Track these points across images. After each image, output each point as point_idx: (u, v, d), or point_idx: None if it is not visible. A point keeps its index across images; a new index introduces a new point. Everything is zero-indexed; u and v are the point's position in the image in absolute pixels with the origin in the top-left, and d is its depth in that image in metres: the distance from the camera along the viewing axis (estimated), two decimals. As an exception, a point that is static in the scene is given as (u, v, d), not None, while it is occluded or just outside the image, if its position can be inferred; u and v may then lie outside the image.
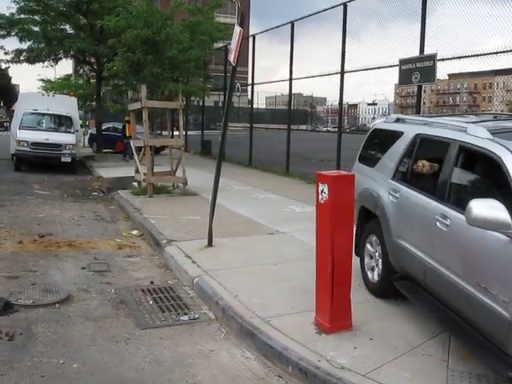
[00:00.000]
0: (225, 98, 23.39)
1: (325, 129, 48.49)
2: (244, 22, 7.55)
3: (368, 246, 6.31)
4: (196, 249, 7.97)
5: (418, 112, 13.29)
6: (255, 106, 26.70)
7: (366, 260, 6.37)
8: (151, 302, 6.29)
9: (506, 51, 10.47)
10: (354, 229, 5.35)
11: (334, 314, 4.93)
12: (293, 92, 19.00)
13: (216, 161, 8.28)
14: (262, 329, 5.11)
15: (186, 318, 5.87)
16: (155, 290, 6.72)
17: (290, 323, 5.24)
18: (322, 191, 4.77)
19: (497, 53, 10.72)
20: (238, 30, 7.51)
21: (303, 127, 46.54)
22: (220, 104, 24.60)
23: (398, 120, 6.41)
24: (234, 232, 9.12)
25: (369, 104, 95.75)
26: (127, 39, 13.49)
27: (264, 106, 69.02)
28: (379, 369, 4.36)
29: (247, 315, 5.44)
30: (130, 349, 5.07)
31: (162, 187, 13.56)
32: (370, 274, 6.26)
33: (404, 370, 4.36)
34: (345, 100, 17.23)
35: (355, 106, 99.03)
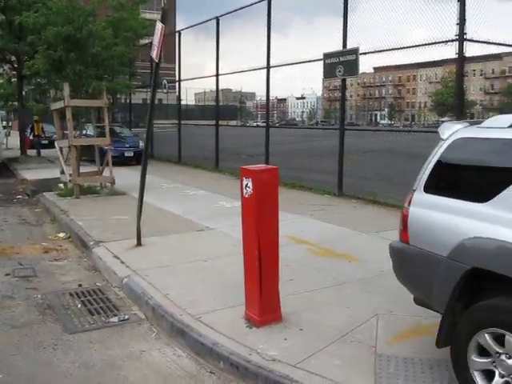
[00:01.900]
0: (153, 94, 23.23)
1: (255, 124, 48.70)
2: (166, 18, 7.48)
3: (477, 354, 3.74)
4: (125, 249, 7.86)
5: (342, 105, 13.57)
6: (184, 102, 26.55)
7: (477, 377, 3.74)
8: (79, 306, 6.15)
9: (424, 44, 10.83)
10: (447, 308, 3.91)
11: (264, 307, 4.97)
12: (222, 88, 19.07)
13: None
14: (192, 326, 5.10)
15: (115, 319, 5.78)
16: (84, 293, 6.58)
17: (221, 319, 5.25)
18: (246, 186, 4.80)
19: (416, 46, 11.08)
20: (159, 26, 7.44)
21: (233, 123, 46.60)
22: (148, 101, 24.19)
23: None
24: (163, 230, 9.04)
25: (297, 98, 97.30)
26: (47, 36, 13.08)
27: (193, 103, 68.81)
28: (309, 358, 4.43)
29: (177, 313, 5.41)
30: (58, 355, 4.94)
31: (90, 188, 13.28)
32: None
33: (334, 358, 4.45)
34: (274, 94, 17.53)
35: (284, 100, 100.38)
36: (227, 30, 19.61)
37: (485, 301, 3.71)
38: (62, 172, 13.45)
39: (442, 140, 4.31)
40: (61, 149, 13.72)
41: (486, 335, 3.62)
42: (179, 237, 8.71)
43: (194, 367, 4.73)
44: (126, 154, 20.37)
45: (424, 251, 4.14)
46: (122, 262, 7.25)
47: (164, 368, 4.72)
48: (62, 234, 9.62)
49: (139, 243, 8.03)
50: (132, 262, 7.23)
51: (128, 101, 27.30)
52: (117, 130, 22.07)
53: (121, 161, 18.73)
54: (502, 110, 71.06)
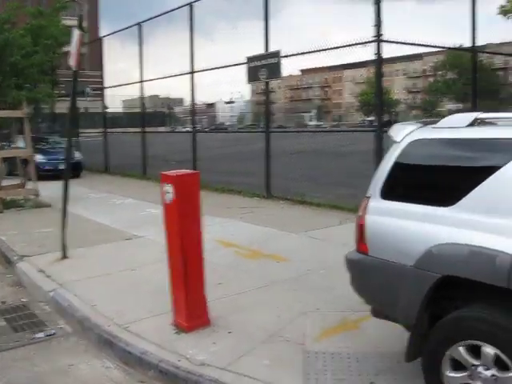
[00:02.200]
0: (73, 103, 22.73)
1: (184, 129, 48.48)
2: (82, 24, 7.37)
3: (452, 370, 3.52)
4: (50, 262, 7.66)
5: (267, 108, 13.72)
6: (111, 109, 26.10)
7: None
8: (3, 324, 5.95)
9: (344, 46, 11.12)
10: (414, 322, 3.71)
11: (191, 313, 4.98)
12: (149, 94, 18.91)
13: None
14: (120, 336, 5.04)
15: (41, 335, 5.62)
16: (7, 310, 6.36)
17: (149, 327, 5.21)
18: (167, 192, 4.79)
19: (336, 48, 11.37)
20: (76, 33, 7.33)
21: (162, 129, 46.19)
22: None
23: (478, 123, 3.89)
24: (90, 241, 8.87)
25: (226, 102, 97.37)
26: (-39, 46, 12.62)
27: (121, 110, 67.70)
28: (238, 360, 4.47)
29: (105, 324, 5.33)
30: (-20, 375, 4.77)
31: (13, 201, 12.85)
32: None
33: (263, 358, 4.50)
34: (202, 99, 17.52)
35: (213, 105, 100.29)
36: (154, 36, 19.54)
37: (456, 311, 3.51)
38: (-17, 186, 12.96)
39: (396, 142, 4.06)
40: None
41: (461, 348, 3.41)
42: (107, 247, 8.58)
43: (123, 377, 4.66)
44: (60, 167, 17.04)
45: (386, 261, 3.88)
46: (48, 276, 7.07)
47: (92, 381, 4.63)
48: (-17, 251, 9.26)
49: (65, 256, 7.84)
50: (58, 275, 7.06)
51: (54, 110, 26.55)
52: (49, 140, 21.30)
53: (56, 174, 16.03)
54: (424, 107, 73.85)
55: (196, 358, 4.50)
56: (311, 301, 5.78)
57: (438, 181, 3.90)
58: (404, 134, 4.03)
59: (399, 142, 4.01)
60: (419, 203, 3.77)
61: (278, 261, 7.42)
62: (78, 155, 19.51)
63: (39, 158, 17.41)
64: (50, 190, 13.15)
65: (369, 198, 4.12)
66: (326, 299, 5.81)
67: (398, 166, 3.99)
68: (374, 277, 4.08)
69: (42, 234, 9.56)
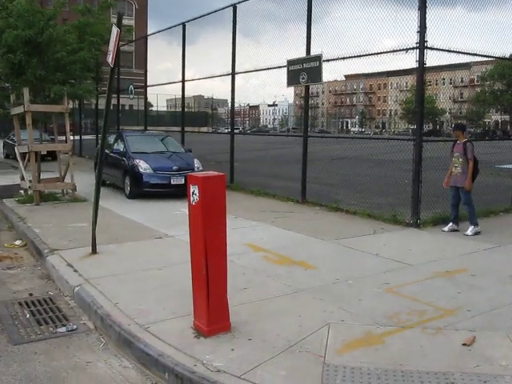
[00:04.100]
0: (118, 100, 23.03)
1: (226, 130, 48.73)
2: (121, 22, 7.37)
3: None
4: (79, 257, 7.70)
5: (306, 112, 13.57)
6: (155, 108, 26.40)
7: None
8: (28, 316, 5.99)
9: (386, 52, 10.89)
10: None
11: (212, 317, 4.88)
12: (194, 94, 19.06)
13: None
14: (139, 336, 4.98)
15: (63, 329, 5.63)
16: (34, 303, 6.41)
17: (169, 329, 5.14)
18: (193, 193, 4.72)
19: (378, 53, 11.15)
20: (115, 30, 7.34)
21: (204, 129, 46.60)
22: (118, 107, 24.03)
23: None
24: (121, 237, 8.90)
25: (269, 105, 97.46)
26: (7, 39, 12.85)
27: (165, 109, 68.54)
28: (255, 369, 4.35)
29: (126, 323, 5.28)
30: (0, 367, 4.78)
31: (51, 194, 13.05)
32: None
33: (280, 369, 4.37)
34: (246, 101, 17.52)
35: (256, 107, 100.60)
36: (201, 37, 19.58)
37: None
38: (22, 178, 13.21)
39: None
40: (21, 154, 13.45)
41: None
42: (136, 244, 8.58)
43: (140, 379, 4.62)
44: (175, 181, 13.38)
45: None
46: (75, 271, 7.09)
47: (108, 380, 4.60)
48: (18, 242, 9.41)
49: (94, 251, 7.88)
50: (85, 270, 7.08)
51: (99, 106, 26.92)
52: (152, 139, 16.54)
53: (169, 192, 13.28)
54: (470, 117, 72.35)
55: (212, 364, 4.41)
56: (336, 311, 5.63)
57: None
58: None
59: None
60: None
61: (307, 268, 7.27)
62: (197, 163, 14.27)
63: (143, 166, 13.40)
64: (82, 183, 13.38)
65: None
66: (351, 311, 5.64)
67: None
68: None
69: (76, 228, 9.64)
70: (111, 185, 15.10)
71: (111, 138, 15.74)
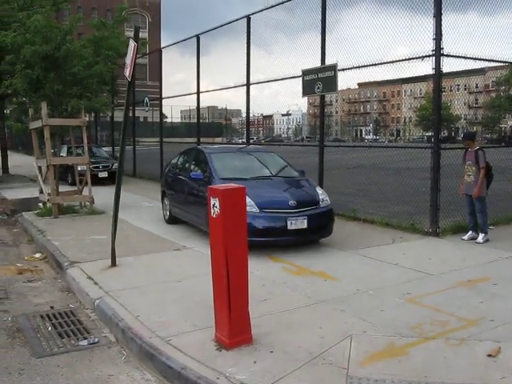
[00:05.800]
0: (133, 112, 23.17)
1: (240, 141, 48.86)
2: (138, 36, 7.43)
3: None
4: (99, 269, 7.74)
5: (321, 121, 13.56)
6: (169, 120, 26.56)
7: None
8: (50, 329, 6.02)
9: (402, 60, 10.85)
10: None
11: (233, 329, 4.87)
12: (208, 105, 19.09)
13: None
14: (161, 349, 4.98)
15: (85, 342, 5.65)
16: (55, 316, 6.45)
17: (191, 341, 5.13)
18: (213, 205, 4.73)
19: (394, 61, 11.11)
20: (132, 44, 7.40)
21: (218, 139, 46.73)
22: (134, 119, 24.23)
23: None
24: (139, 250, 8.93)
25: (283, 115, 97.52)
26: (25, 55, 13.03)
27: (179, 120, 68.83)
28: (278, 382, 4.33)
29: (147, 336, 5.29)
30: (24, 380, 4.81)
31: (69, 207, 13.16)
32: None
33: (303, 381, 4.35)
34: (259, 111, 17.56)
35: (270, 116, 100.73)
36: (214, 48, 19.66)
37: None
38: (41, 191, 13.33)
39: None
40: (39, 168, 13.58)
41: None
42: (155, 257, 8.60)
43: (162, 392, 4.62)
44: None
45: None
46: (96, 283, 7.13)
47: (131, 393, 4.61)
48: (38, 255, 9.48)
49: (114, 263, 7.92)
50: (105, 282, 7.11)
51: (115, 119, 27.16)
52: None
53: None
54: (485, 123, 71.83)
55: (235, 377, 4.39)
56: (358, 322, 5.59)
57: None
58: None
59: None
60: None
61: (326, 279, 7.24)
62: (322, 194, 9.85)
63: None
64: (100, 196, 13.46)
65: None
66: (373, 322, 5.60)
67: None
68: None
69: (94, 240, 9.70)
70: (185, 222, 11.12)
71: (177, 155, 12.66)
